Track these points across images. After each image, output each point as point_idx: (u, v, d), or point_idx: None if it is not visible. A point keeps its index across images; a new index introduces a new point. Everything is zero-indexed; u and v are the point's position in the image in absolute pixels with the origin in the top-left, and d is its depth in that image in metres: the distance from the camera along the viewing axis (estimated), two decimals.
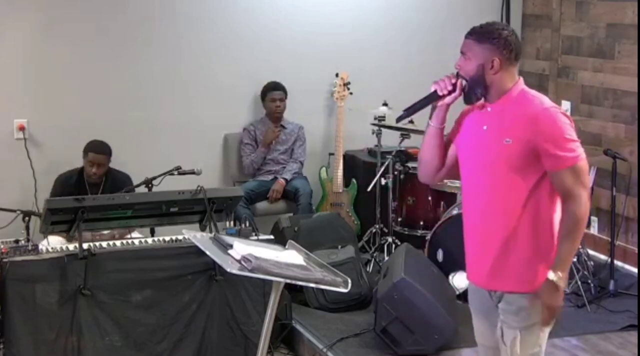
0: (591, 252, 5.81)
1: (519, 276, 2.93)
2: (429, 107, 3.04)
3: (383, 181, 5.77)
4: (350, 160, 6.35)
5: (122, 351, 4.12)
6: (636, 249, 5.73)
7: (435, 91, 2.97)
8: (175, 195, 4.28)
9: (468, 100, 2.99)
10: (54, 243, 4.43)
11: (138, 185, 4.98)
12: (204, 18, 6.13)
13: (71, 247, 4.09)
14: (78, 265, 3.98)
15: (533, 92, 2.99)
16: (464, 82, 2.94)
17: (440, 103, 3.00)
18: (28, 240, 4.05)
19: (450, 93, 2.96)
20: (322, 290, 4.60)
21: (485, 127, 2.96)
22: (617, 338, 4.68)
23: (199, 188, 4.28)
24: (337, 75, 6.33)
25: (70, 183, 5.22)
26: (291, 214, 5.89)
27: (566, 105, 6.40)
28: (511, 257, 2.93)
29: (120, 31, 5.93)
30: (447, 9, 6.75)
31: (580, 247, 5.49)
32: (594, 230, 6.13)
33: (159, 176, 4.84)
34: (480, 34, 2.93)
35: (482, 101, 2.99)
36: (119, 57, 5.94)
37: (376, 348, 4.46)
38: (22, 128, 5.74)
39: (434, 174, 3.14)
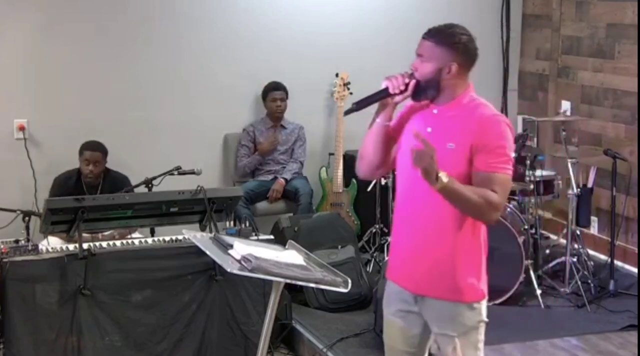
0: (591, 252, 5.81)
1: (453, 284, 2.90)
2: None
3: (383, 181, 5.77)
4: (350, 160, 6.33)
5: (122, 351, 4.12)
6: (636, 249, 5.73)
7: (387, 88, 2.90)
8: (175, 195, 4.28)
9: (417, 98, 2.93)
10: (54, 243, 4.43)
11: (138, 185, 4.98)
12: (203, 18, 6.13)
13: (71, 247, 4.09)
14: (78, 265, 3.98)
15: (482, 99, 2.93)
16: (417, 83, 2.88)
17: (389, 101, 2.94)
18: (28, 240, 4.05)
19: (401, 92, 2.90)
20: (322, 290, 4.60)
21: (429, 129, 2.90)
22: (617, 338, 4.68)
23: (199, 188, 4.28)
24: (337, 75, 6.33)
25: (69, 184, 5.21)
26: (291, 214, 5.89)
27: (566, 105, 6.40)
28: (446, 265, 2.90)
29: (120, 31, 5.93)
30: (447, 9, 6.73)
31: (580, 247, 5.49)
32: (594, 230, 6.13)
33: (159, 176, 4.84)
34: (440, 37, 2.86)
35: (427, 101, 2.94)
36: (119, 57, 5.94)
37: (376, 348, 4.45)
38: (22, 128, 5.74)
39: (374, 170, 3.08)
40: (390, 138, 3.02)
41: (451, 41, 2.85)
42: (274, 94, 6.11)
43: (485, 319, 2.98)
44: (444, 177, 2.68)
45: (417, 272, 2.96)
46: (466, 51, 2.87)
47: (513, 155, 2.86)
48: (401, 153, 3.00)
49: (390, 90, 2.90)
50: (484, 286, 2.97)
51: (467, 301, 2.92)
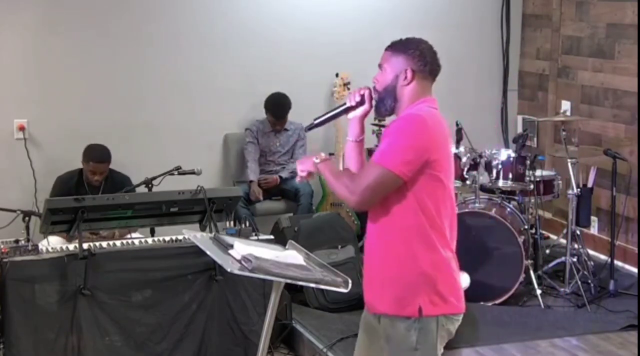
0: (591, 252, 5.81)
1: (388, 297, 2.86)
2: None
3: None
4: None
5: (122, 351, 4.12)
6: (636, 249, 5.73)
7: (345, 103, 2.97)
8: (175, 195, 4.28)
9: (378, 112, 2.95)
10: (54, 243, 4.43)
11: (138, 185, 4.98)
12: (204, 18, 6.13)
13: (71, 247, 4.09)
14: (78, 265, 3.98)
15: (431, 110, 2.84)
16: (373, 95, 2.91)
17: (351, 115, 2.99)
18: (28, 240, 4.05)
19: (358, 105, 2.94)
20: (322, 290, 4.59)
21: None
22: (617, 338, 4.68)
23: (199, 188, 4.28)
24: (337, 75, 6.33)
25: (71, 184, 5.22)
26: (291, 214, 5.89)
27: (566, 105, 6.40)
28: (380, 277, 2.88)
29: (121, 31, 5.93)
30: (448, 9, 6.75)
31: (580, 247, 5.50)
32: (594, 230, 6.13)
33: (159, 176, 4.83)
34: (397, 46, 2.91)
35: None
36: (119, 57, 5.94)
37: None
38: (22, 128, 5.74)
39: None
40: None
41: (406, 48, 2.89)
42: (276, 121, 6.09)
43: (420, 348, 2.82)
44: (315, 159, 2.90)
45: (367, 288, 2.97)
46: (421, 58, 2.87)
47: (409, 152, 2.73)
48: None
49: (347, 103, 2.97)
50: (424, 302, 2.81)
51: (400, 314, 2.83)
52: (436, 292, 2.83)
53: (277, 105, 6.10)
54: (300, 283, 3.06)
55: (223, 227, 4.36)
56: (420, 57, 2.88)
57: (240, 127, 6.25)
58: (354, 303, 5.00)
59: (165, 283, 4.20)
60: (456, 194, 5.71)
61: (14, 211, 4.30)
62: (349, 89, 6.26)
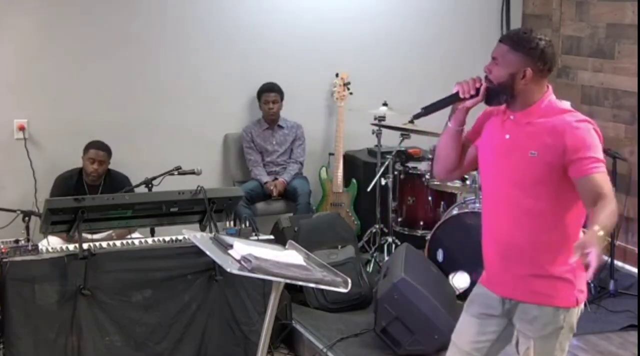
0: None
1: (538, 288, 2.88)
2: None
3: (383, 181, 5.77)
4: (350, 160, 6.35)
5: (122, 351, 4.12)
6: (636, 249, 5.73)
7: (457, 93, 2.90)
8: (175, 195, 4.28)
9: (490, 103, 2.92)
10: (54, 243, 4.43)
11: (138, 185, 4.98)
12: (204, 18, 6.13)
13: (71, 247, 4.09)
14: (78, 265, 3.98)
15: (562, 103, 2.89)
16: (488, 87, 2.87)
17: (460, 105, 2.94)
18: (28, 240, 4.05)
19: (472, 97, 2.89)
20: (322, 290, 4.59)
21: (507, 136, 2.88)
22: (617, 338, 4.68)
23: (199, 188, 4.28)
24: (337, 75, 6.33)
25: (70, 184, 5.22)
26: (291, 214, 5.89)
27: (566, 105, 6.39)
28: (533, 270, 2.88)
29: (121, 31, 5.92)
30: (447, 8, 6.74)
31: None
32: None
33: (159, 176, 4.84)
34: (516, 42, 2.84)
35: (504, 106, 2.92)
36: (119, 57, 5.93)
37: (376, 348, 4.46)
38: (22, 128, 5.73)
39: (447, 173, 3.12)
40: (467, 141, 3.04)
41: (527, 46, 2.82)
42: (267, 96, 6.09)
43: (566, 326, 2.90)
44: (599, 232, 2.55)
45: (504, 277, 2.94)
46: (542, 57, 2.83)
47: (601, 156, 2.79)
48: (482, 157, 3.00)
49: (461, 95, 2.90)
50: (578, 293, 2.90)
51: (553, 305, 2.88)
52: (583, 281, 2.90)
53: (267, 84, 6.10)
54: (300, 283, 3.07)
55: (223, 227, 4.35)
56: (541, 56, 2.83)
57: (240, 127, 6.25)
58: (354, 303, 5.01)
59: (165, 283, 4.20)
60: (456, 194, 5.72)
61: (14, 211, 4.31)
62: (348, 88, 6.26)
